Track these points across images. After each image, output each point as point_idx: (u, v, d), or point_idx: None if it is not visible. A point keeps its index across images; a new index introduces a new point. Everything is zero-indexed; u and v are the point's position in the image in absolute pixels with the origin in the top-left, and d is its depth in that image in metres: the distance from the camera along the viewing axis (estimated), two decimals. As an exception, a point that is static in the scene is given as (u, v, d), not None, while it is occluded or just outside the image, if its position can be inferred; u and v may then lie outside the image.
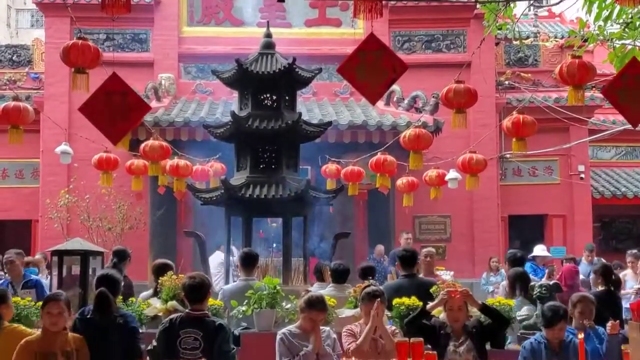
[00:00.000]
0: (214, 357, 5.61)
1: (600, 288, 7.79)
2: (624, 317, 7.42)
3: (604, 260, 10.43)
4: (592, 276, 7.93)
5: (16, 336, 5.56)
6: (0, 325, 5.66)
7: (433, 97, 14.92)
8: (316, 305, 5.69)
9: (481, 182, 11.23)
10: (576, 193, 17.56)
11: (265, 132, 9.36)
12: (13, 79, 17.39)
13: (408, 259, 7.98)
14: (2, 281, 9.17)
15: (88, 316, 5.72)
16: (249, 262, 7.98)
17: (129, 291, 8.59)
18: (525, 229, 19.02)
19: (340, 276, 8.06)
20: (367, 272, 8.27)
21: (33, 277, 9.40)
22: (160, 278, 7.54)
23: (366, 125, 15.06)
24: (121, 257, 9.30)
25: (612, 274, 7.99)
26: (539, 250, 13.10)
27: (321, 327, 5.79)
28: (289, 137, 9.65)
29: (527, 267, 12.90)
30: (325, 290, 7.78)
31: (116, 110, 6.06)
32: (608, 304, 7.14)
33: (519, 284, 7.67)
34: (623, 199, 17.72)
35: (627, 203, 17.77)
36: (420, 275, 8.54)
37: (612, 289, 7.76)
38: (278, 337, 5.74)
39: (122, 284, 6.32)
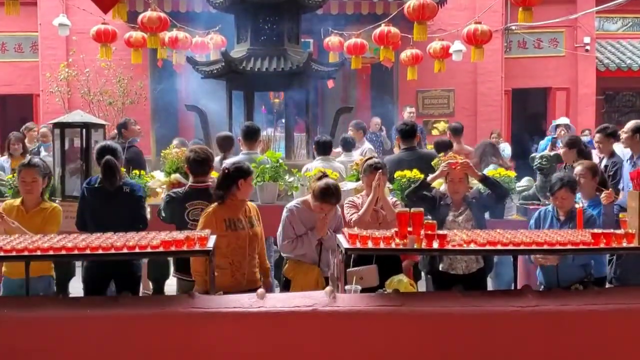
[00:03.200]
0: None
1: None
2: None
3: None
4: (563, 150, 7.82)
5: None
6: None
7: (438, -35, 14.47)
8: (330, 198, 5.53)
9: (486, 55, 11.08)
10: (581, 65, 17.36)
11: (265, 1, 9.14)
12: (6, -52, 16.81)
13: (408, 132, 7.99)
14: None
15: (96, 185, 5.78)
16: (250, 136, 7.97)
17: (138, 158, 8.80)
18: (529, 103, 18.95)
19: (323, 148, 8.17)
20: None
21: None
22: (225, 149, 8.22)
23: (370, -6, 14.69)
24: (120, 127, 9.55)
25: (581, 147, 7.94)
26: (562, 119, 13.09)
27: None
28: (290, 8, 9.42)
29: (546, 140, 12.90)
30: (313, 164, 7.87)
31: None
32: None
33: (489, 154, 7.81)
34: (628, 72, 17.50)
35: (631, 75, 17.55)
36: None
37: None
38: (285, 213, 5.72)
39: (121, 152, 6.35)
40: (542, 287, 5.77)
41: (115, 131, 9.61)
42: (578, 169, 6.24)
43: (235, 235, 5.26)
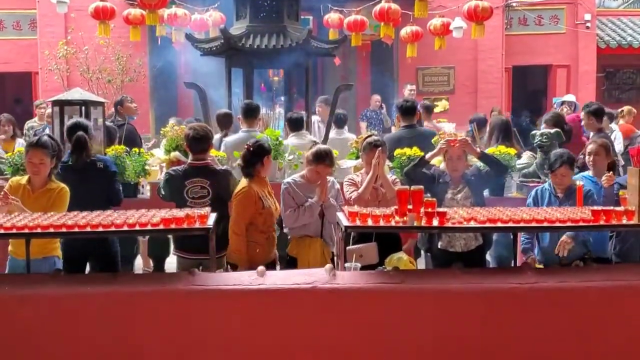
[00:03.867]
0: (227, 199, 5.79)
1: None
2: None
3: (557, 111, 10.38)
4: (543, 126, 7.90)
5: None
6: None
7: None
8: (324, 159, 5.70)
9: (486, 32, 11.03)
10: (581, 43, 17.27)
11: (265, -22, 9.10)
12: None
13: (408, 110, 7.98)
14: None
15: (69, 162, 5.81)
16: (250, 113, 7.97)
17: (133, 137, 8.83)
18: (529, 80, 18.90)
19: (295, 124, 8.28)
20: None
21: None
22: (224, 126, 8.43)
23: (370, -30, 14.57)
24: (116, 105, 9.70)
25: (563, 124, 7.98)
26: (568, 96, 13.07)
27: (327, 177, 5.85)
28: (289, -16, 9.39)
29: None
30: (288, 140, 8.01)
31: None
32: None
33: (501, 134, 7.78)
34: (628, 49, 17.44)
35: (632, 53, 17.50)
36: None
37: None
38: (283, 187, 5.81)
39: (92, 129, 6.36)
40: (542, 265, 5.79)
41: (113, 110, 9.60)
42: (591, 147, 6.19)
43: (269, 211, 5.56)
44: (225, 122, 8.46)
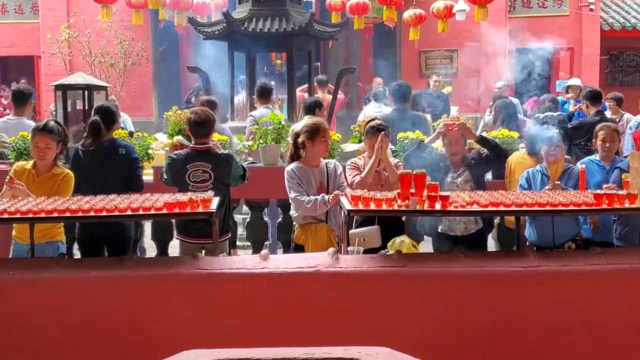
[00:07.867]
0: (231, 183, 5.81)
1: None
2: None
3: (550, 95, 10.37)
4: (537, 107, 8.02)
5: None
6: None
7: None
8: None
9: (490, 14, 11.00)
10: (585, 25, 17.20)
11: (266, -39, 9.08)
12: None
13: (400, 93, 8.01)
14: None
15: (91, 148, 5.85)
16: (265, 94, 8.59)
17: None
18: (532, 63, 18.81)
19: (264, 95, 8.70)
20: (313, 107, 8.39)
21: None
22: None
23: (372, -47, 14.49)
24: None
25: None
26: (574, 81, 13.03)
27: (328, 160, 5.82)
28: (292, -33, 9.37)
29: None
30: (257, 112, 8.39)
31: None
32: None
33: (502, 115, 7.78)
34: (632, 31, 17.37)
35: (636, 35, 17.43)
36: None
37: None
38: (286, 176, 5.65)
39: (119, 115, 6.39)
40: (535, 248, 5.79)
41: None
42: (605, 132, 6.05)
43: None
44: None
